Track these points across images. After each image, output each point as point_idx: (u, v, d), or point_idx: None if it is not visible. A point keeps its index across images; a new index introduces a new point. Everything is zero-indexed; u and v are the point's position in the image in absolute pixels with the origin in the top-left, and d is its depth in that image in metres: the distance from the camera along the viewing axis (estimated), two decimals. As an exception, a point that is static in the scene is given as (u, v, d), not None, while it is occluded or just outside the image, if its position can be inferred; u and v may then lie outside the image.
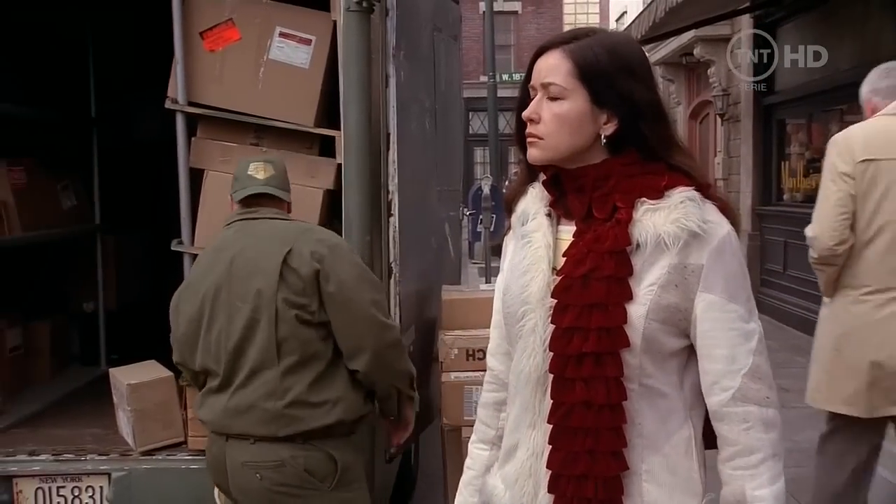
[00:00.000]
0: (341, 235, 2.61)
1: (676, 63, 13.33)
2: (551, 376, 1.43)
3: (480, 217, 10.37)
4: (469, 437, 1.74)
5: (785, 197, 9.62)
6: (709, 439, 1.48)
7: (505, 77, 24.91)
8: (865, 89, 3.35)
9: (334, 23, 2.96)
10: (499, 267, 1.65)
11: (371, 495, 2.46)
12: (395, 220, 2.89)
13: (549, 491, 1.43)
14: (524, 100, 1.49)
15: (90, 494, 2.96)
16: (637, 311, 1.39)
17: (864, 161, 2.95)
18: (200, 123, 3.12)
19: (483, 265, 10.58)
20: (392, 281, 2.88)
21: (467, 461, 1.70)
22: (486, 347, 1.69)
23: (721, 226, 1.41)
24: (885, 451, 3.83)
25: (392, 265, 2.87)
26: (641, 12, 9.50)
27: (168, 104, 3.04)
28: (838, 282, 3.11)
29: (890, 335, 2.90)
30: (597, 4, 31.24)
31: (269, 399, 2.24)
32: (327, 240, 2.35)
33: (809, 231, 3.11)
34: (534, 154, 1.47)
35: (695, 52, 11.41)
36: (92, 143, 4.28)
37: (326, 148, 3.09)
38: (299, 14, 3.03)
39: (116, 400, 3.16)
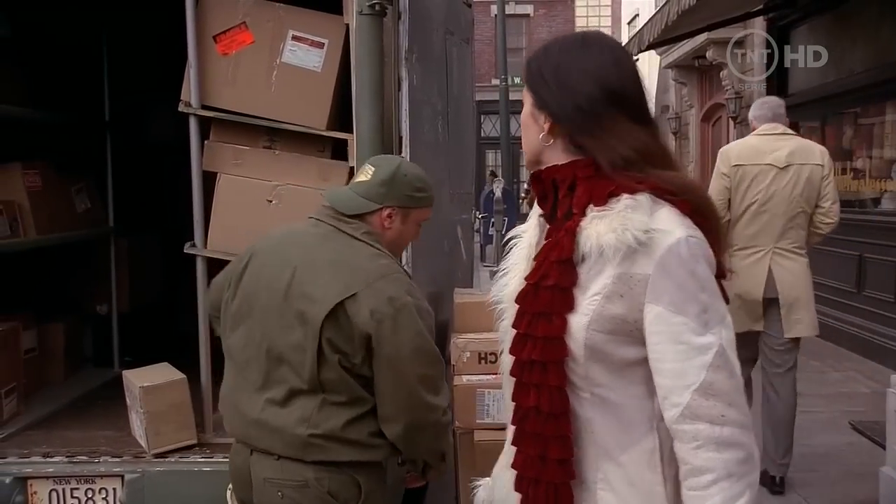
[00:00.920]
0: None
1: (689, 66, 13.31)
2: (513, 379, 1.45)
3: (492, 220, 10.36)
4: (481, 441, 1.76)
5: (798, 200, 9.56)
6: None
7: (517, 80, 24.85)
8: (750, 115, 4.66)
9: (347, 26, 2.97)
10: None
11: None
12: (407, 224, 2.88)
13: (515, 489, 1.45)
14: None
15: (104, 496, 2.97)
16: (578, 322, 1.37)
17: (735, 166, 4.37)
18: (213, 126, 3.13)
19: (495, 268, 10.58)
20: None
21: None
22: (498, 350, 1.66)
23: (670, 233, 1.33)
24: (892, 449, 3.83)
25: (404, 268, 2.87)
26: (654, 15, 9.46)
27: (181, 107, 3.06)
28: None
29: (747, 277, 4.30)
30: (608, 7, 31.21)
31: (300, 424, 2.10)
32: (398, 298, 2.08)
33: None
34: None
35: (707, 54, 11.38)
36: (106, 146, 4.30)
37: (339, 151, 3.10)
38: (312, 17, 3.04)
39: (129, 402, 3.18)
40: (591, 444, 1.40)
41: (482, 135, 24.75)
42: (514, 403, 1.45)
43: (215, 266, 3.12)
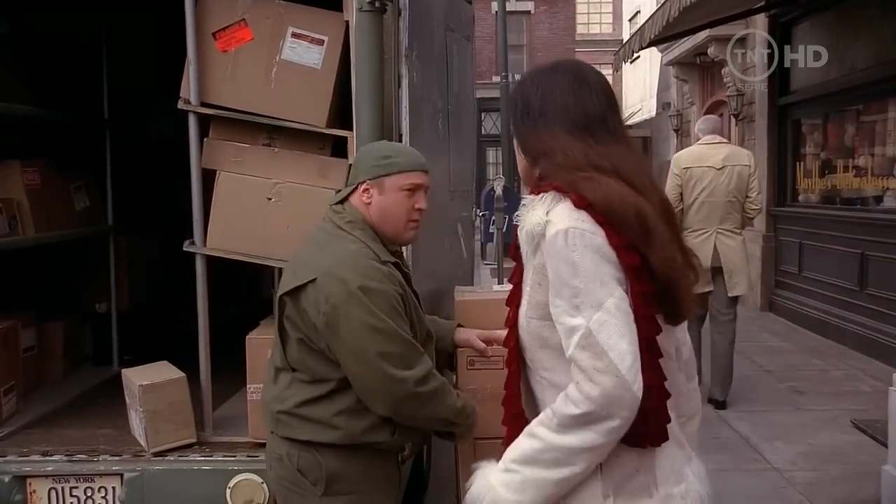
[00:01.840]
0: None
1: (690, 63, 13.29)
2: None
3: (493, 218, 10.33)
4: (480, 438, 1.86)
5: (800, 198, 9.55)
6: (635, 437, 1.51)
7: (517, 77, 24.90)
8: (696, 129, 6.31)
9: (347, 23, 2.95)
10: (510, 268, 1.77)
11: None
12: (407, 221, 2.86)
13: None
14: None
15: (103, 495, 2.97)
16: (521, 311, 1.62)
17: (685, 168, 5.92)
18: (213, 124, 3.11)
19: (496, 266, 10.55)
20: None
21: None
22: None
23: (554, 224, 1.50)
24: (894, 448, 3.83)
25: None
26: (655, 12, 9.43)
27: (181, 105, 3.04)
28: (681, 226, 5.89)
29: (698, 251, 4.66)
30: (609, 4, 31.22)
31: (274, 401, 2.28)
32: (350, 281, 2.12)
33: None
34: None
35: (709, 51, 11.37)
36: (105, 144, 4.29)
37: (339, 148, 3.09)
38: (312, 14, 3.03)
39: (129, 401, 3.17)
40: None
41: (483, 132, 24.73)
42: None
43: (215, 264, 3.13)
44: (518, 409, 1.64)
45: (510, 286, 1.69)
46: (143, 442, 3.03)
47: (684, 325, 1.70)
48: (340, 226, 2.28)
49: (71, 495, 2.96)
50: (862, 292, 7.78)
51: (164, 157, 4.32)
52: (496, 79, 17.18)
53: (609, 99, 1.66)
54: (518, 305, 1.63)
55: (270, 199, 3.02)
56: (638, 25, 13.34)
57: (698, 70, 13.43)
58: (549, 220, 1.50)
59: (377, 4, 2.72)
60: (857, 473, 4.66)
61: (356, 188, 2.32)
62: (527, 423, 1.57)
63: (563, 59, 1.80)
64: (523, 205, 1.58)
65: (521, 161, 1.70)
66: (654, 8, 11.15)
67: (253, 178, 3.04)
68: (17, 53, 3.99)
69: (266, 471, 2.42)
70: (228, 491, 2.87)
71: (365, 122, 2.79)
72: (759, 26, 9.98)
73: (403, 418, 2.22)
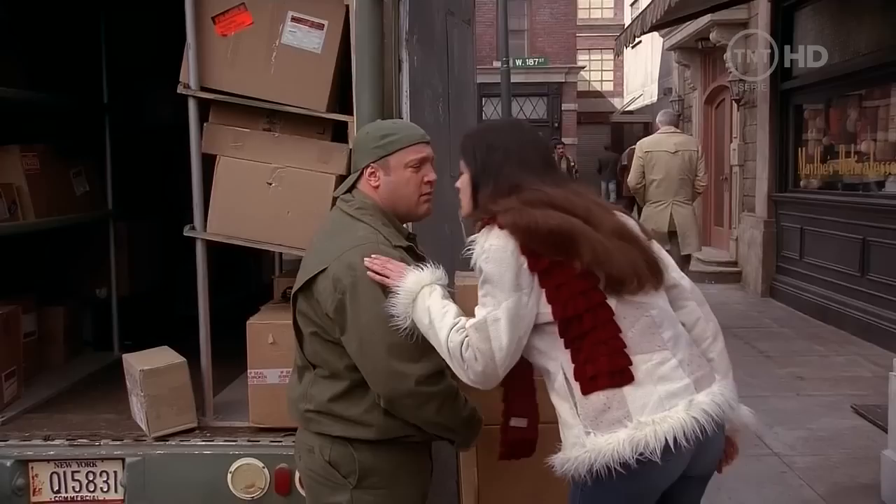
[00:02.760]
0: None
1: (692, 48, 13.22)
2: None
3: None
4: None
5: (802, 183, 9.54)
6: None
7: (518, 62, 24.79)
8: (657, 120, 8.12)
9: (347, 7, 2.93)
10: None
11: None
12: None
13: None
14: None
15: (105, 479, 2.97)
16: None
17: (646, 152, 7.57)
18: (213, 109, 3.10)
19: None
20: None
21: None
22: None
23: (478, 244, 2.01)
24: (894, 433, 3.84)
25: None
26: (657, -4, 9.40)
27: (180, 89, 3.03)
28: (644, 199, 7.69)
29: (659, 219, 7.40)
30: (611, -11, 31.01)
31: (301, 400, 2.26)
32: (357, 266, 2.11)
33: (629, 180, 7.93)
34: None
35: (711, 36, 11.30)
36: (105, 129, 4.27)
37: (339, 133, 3.07)
38: (312, -2, 3.01)
39: (130, 386, 3.17)
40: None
41: (483, 118, 24.67)
42: None
43: (215, 249, 3.12)
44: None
45: None
46: (144, 426, 3.04)
47: (656, 295, 2.07)
48: (350, 213, 2.26)
49: (73, 479, 2.97)
50: (863, 278, 7.78)
51: (163, 142, 4.31)
52: (497, 64, 17.11)
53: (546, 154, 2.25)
54: None
55: (270, 184, 3.01)
56: (639, 10, 13.28)
57: (700, 55, 13.36)
58: (481, 242, 2.01)
59: (377, -12, 2.70)
60: (857, 458, 4.67)
61: (361, 173, 2.30)
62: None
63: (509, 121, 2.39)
64: (471, 241, 2.03)
65: (467, 200, 2.19)
66: (656, -8, 11.08)
67: (253, 163, 3.03)
68: (15, 38, 3.97)
69: (295, 461, 2.42)
70: (229, 475, 2.87)
71: (365, 107, 2.78)
72: (761, 11, 9.93)
73: (401, 415, 2.16)
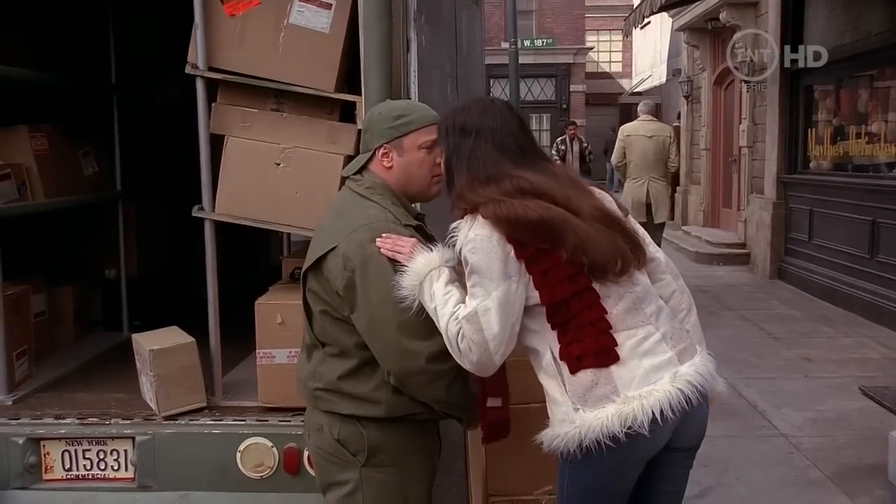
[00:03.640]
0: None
1: (702, 28, 13.11)
2: None
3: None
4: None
5: (811, 165, 9.49)
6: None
7: (527, 43, 24.64)
8: (638, 109, 9.31)
9: (355, -14, 2.92)
10: None
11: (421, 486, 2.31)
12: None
13: None
14: None
15: (115, 457, 3.00)
16: None
17: (627, 136, 8.87)
18: (221, 89, 3.10)
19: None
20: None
21: None
22: None
23: (461, 233, 2.03)
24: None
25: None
26: (666, -24, 9.34)
27: (188, 69, 3.02)
28: (625, 175, 8.91)
29: (637, 193, 8.69)
30: (620, -31, 30.73)
31: (311, 378, 2.27)
32: (367, 245, 2.12)
33: (612, 159, 9.30)
34: None
35: (721, 16, 11.21)
36: (112, 110, 4.27)
37: (347, 113, 3.07)
38: (319, -23, 2.99)
39: (139, 365, 3.19)
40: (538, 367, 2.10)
41: (492, 99, 24.53)
42: None
43: (223, 229, 3.13)
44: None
45: None
46: (153, 406, 3.06)
47: (638, 272, 2.11)
48: (360, 192, 2.25)
49: (84, 457, 3.00)
50: (872, 260, 7.75)
51: (172, 122, 4.31)
52: (505, 45, 17.00)
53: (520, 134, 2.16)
54: None
55: (279, 165, 3.01)
56: (649, -10, 13.11)
57: (710, 36, 13.25)
58: (464, 231, 2.02)
59: (385, -33, 2.69)
60: (864, 439, 4.68)
61: (373, 154, 2.28)
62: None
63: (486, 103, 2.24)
64: (453, 228, 2.06)
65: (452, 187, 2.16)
66: (666, -28, 10.98)
67: (261, 144, 3.03)
68: (23, 18, 3.97)
69: (305, 440, 2.43)
70: (238, 455, 2.90)
71: (373, 87, 2.77)
72: (763, 30, 9.88)
73: (411, 393, 2.16)
